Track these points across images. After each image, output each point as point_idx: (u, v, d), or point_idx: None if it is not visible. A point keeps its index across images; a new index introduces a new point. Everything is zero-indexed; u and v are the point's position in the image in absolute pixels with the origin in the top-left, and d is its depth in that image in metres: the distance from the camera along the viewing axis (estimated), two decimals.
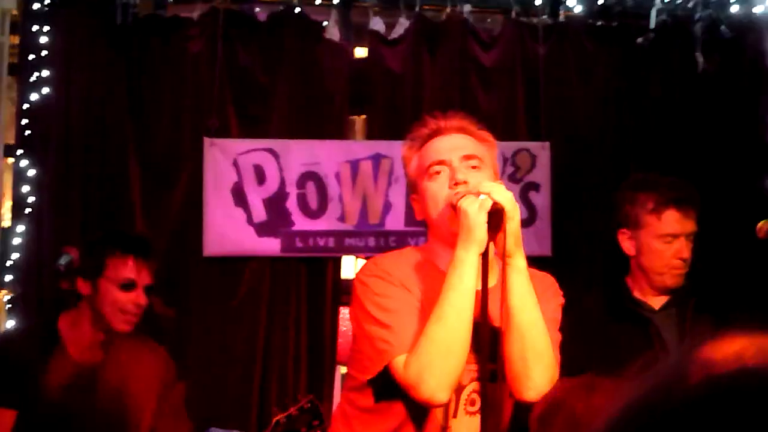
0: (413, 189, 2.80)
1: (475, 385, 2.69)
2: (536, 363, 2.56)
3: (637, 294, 3.43)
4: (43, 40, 5.02)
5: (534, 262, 4.48)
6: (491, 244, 2.53)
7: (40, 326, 3.67)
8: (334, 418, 2.91)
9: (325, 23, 5.28)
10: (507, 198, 2.48)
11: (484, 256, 2.51)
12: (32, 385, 3.43)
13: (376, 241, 5.18)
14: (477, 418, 2.68)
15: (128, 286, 3.42)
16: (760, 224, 3.28)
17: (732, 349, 0.79)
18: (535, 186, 5.34)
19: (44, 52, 5.02)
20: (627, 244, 3.42)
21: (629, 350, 3.20)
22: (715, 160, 5.35)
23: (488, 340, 2.53)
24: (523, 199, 5.27)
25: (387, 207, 5.22)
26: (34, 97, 5.00)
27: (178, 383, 3.76)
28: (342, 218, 5.19)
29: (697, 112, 5.43)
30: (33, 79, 5.01)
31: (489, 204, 2.47)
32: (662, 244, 3.33)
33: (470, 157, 2.68)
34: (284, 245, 5.15)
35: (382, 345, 2.59)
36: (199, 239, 5.08)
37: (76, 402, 3.50)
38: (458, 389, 2.65)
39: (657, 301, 3.42)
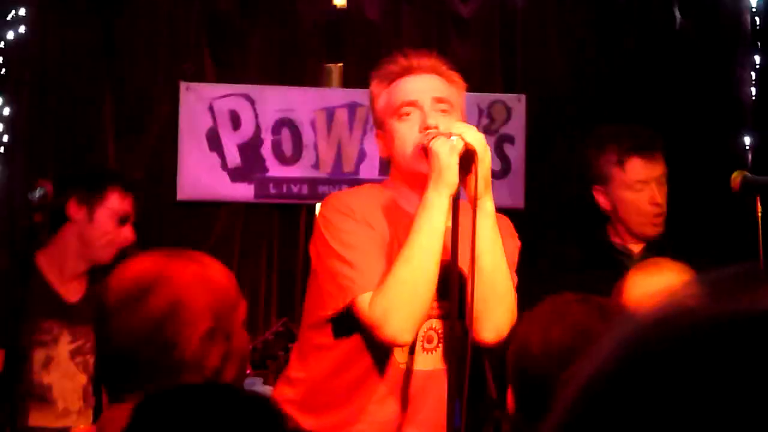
0: (379, 125, 2.78)
1: (432, 323, 2.69)
2: (497, 305, 2.56)
3: (616, 240, 3.44)
4: None
5: (507, 214, 4.51)
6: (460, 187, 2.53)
7: (17, 267, 3.65)
8: (291, 357, 2.92)
9: None
10: (478, 140, 2.48)
11: (455, 198, 2.51)
12: (19, 324, 3.41)
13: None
14: (433, 355, 2.70)
15: (125, 220, 3.47)
16: (734, 175, 3.30)
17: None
18: (509, 138, 5.35)
19: None
20: (602, 200, 3.42)
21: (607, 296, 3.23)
22: (690, 115, 5.37)
23: (458, 282, 2.54)
24: (498, 151, 5.28)
25: (362, 155, 5.22)
26: (9, 35, 4.94)
27: None
28: (316, 165, 5.19)
29: (673, 68, 5.44)
30: (9, 18, 4.95)
31: (461, 146, 2.46)
32: (633, 193, 3.33)
33: (441, 101, 2.68)
34: (258, 191, 5.14)
35: (345, 282, 2.57)
36: (173, 183, 5.06)
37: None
38: None
39: (637, 247, 3.44)
